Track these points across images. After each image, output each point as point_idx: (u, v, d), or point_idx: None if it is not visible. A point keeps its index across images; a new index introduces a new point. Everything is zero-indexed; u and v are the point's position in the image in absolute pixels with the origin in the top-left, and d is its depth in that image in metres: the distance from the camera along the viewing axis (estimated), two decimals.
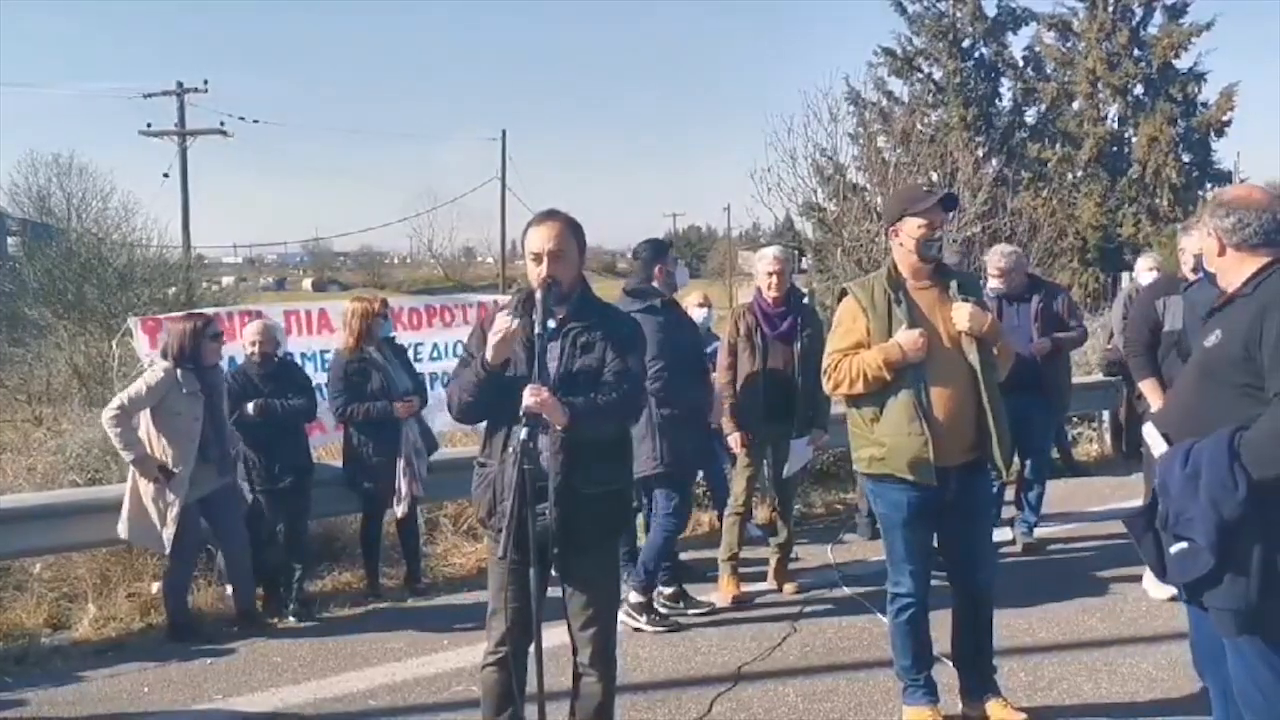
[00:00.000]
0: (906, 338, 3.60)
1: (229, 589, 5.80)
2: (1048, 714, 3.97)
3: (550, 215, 3.22)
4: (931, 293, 3.73)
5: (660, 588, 5.30)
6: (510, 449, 3.06)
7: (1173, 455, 2.66)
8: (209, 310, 7.43)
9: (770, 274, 5.39)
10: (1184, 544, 2.59)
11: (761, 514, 6.37)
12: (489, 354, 3.07)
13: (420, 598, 5.81)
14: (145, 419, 5.17)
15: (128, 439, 5.06)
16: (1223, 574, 2.56)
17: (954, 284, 3.74)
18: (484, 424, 3.34)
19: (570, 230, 3.19)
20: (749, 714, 4.09)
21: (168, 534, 5.09)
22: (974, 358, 3.65)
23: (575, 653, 3.28)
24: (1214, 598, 2.60)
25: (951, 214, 3.85)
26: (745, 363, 5.42)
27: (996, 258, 6.20)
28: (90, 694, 4.57)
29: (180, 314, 6.49)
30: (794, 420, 5.40)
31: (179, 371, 5.14)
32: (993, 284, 6.10)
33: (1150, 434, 2.82)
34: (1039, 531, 6.49)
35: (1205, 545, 2.53)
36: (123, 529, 5.18)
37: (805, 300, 5.74)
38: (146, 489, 5.11)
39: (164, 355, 5.29)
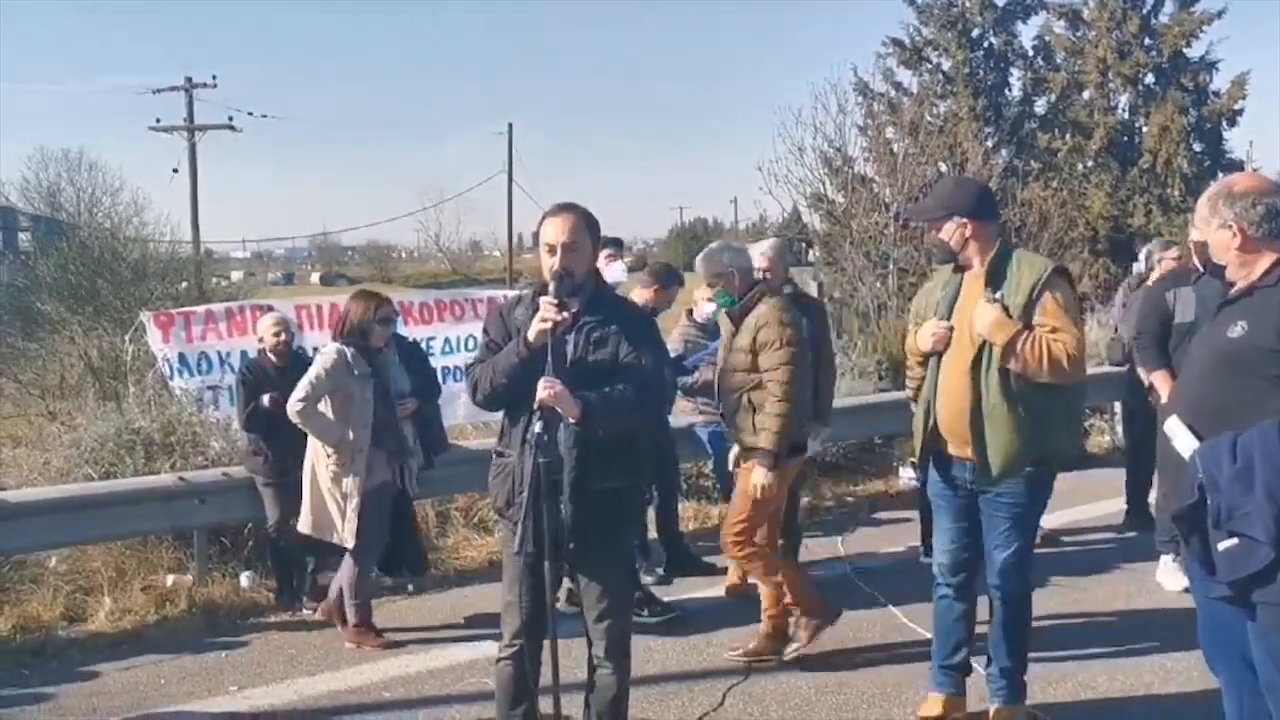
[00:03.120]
0: (927, 327, 3.66)
1: (244, 581, 5.84)
2: (1063, 708, 3.97)
3: (566, 208, 3.24)
4: (980, 284, 3.62)
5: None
6: (527, 441, 3.08)
7: (1218, 449, 2.58)
8: (220, 304, 7.45)
9: (760, 270, 5.38)
10: (1235, 540, 2.52)
11: None
12: (531, 335, 3.07)
13: (433, 590, 5.83)
14: (326, 406, 4.90)
15: (322, 426, 4.82)
16: (1277, 569, 2.50)
17: (988, 287, 3.58)
18: (501, 414, 3.35)
19: (585, 223, 3.20)
20: (761, 706, 4.11)
21: (348, 528, 4.84)
22: (984, 357, 3.54)
23: (590, 645, 3.29)
24: (1266, 593, 2.54)
25: (940, 220, 3.68)
26: None
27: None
28: (107, 686, 4.60)
29: (207, 305, 6.36)
30: None
31: (349, 352, 4.87)
32: None
33: (1175, 428, 2.75)
34: (1052, 523, 6.47)
35: (1265, 540, 2.46)
36: (304, 524, 4.97)
37: (802, 292, 5.72)
38: (325, 481, 4.87)
39: (334, 335, 5.00)
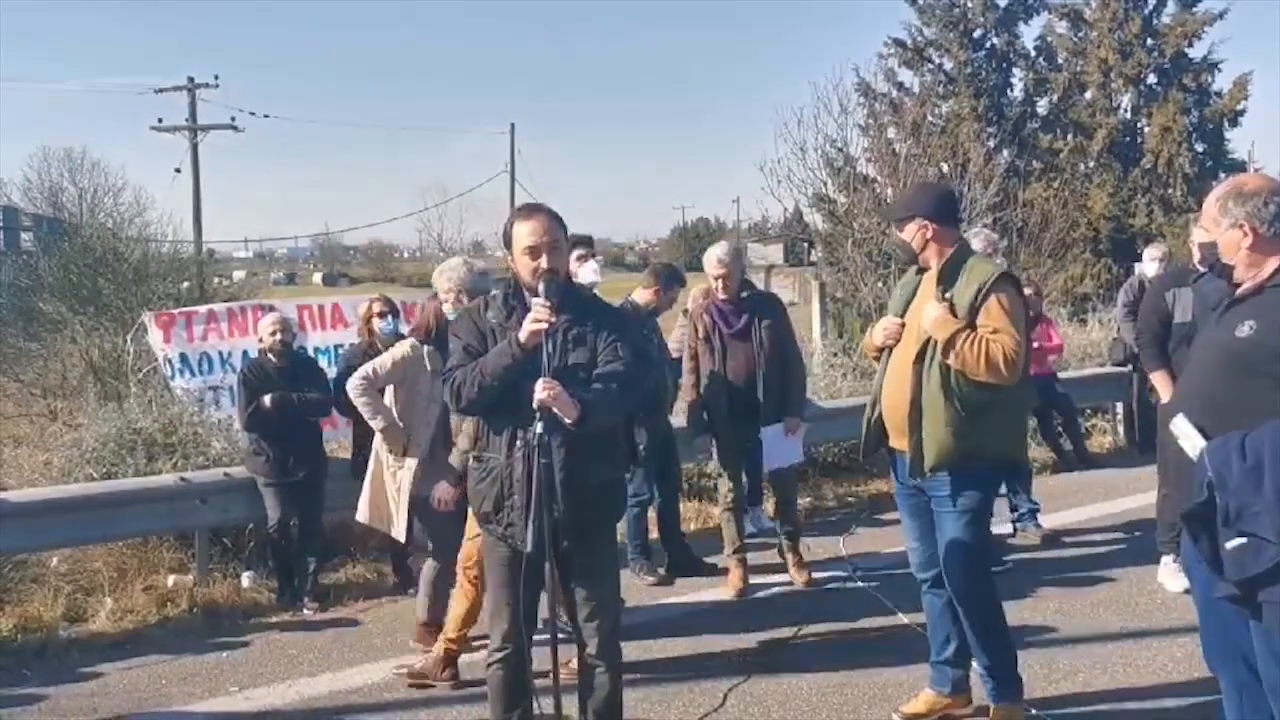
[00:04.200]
0: (881, 323, 3.82)
1: (245, 581, 5.84)
2: (1063, 705, 3.97)
3: (537, 209, 3.26)
4: (930, 301, 3.73)
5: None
6: (520, 444, 3.08)
7: (1226, 447, 2.56)
8: (222, 305, 7.45)
9: (716, 278, 5.41)
10: (1244, 539, 2.50)
11: (772, 507, 6.37)
12: (523, 336, 3.06)
13: None
14: (389, 399, 4.84)
15: (375, 407, 4.77)
16: None
17: (941, 285, 3.68)
18: (482, 423, 3.31)
19: (558, 223, 3.22)
20: (762, 707, 4.10)
21: (400, 522, 4.79)
22: (927, 355, 3.61)
23: (582, 646, 3.29)
24: (1273, 592, 2.52)
25: (904, 221, 3.78)
26: (706, 364, 5.45)
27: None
28: (109, 687, 4.60)
29: (208, 305, 6.38)
30: (760, 416, 5.39)
31: (425, 349, 4.77)
32: None
33: (1182, 427, 2.72)
34: (1053, 523, 6.47)
35: (1275, 539, 2.44)
36: (361, 513, 4.94)
37: (761, 292, 5.76)
38: (385, 472, 4.83)
39: (413, 335, 4.93)
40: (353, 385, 4.81)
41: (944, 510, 3.68)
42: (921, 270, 3.79)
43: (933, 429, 3.58)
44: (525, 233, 3.17)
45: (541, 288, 3.10)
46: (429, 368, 4.73)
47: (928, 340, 3.60)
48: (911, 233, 3.73)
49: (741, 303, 5.44)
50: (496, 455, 3.18)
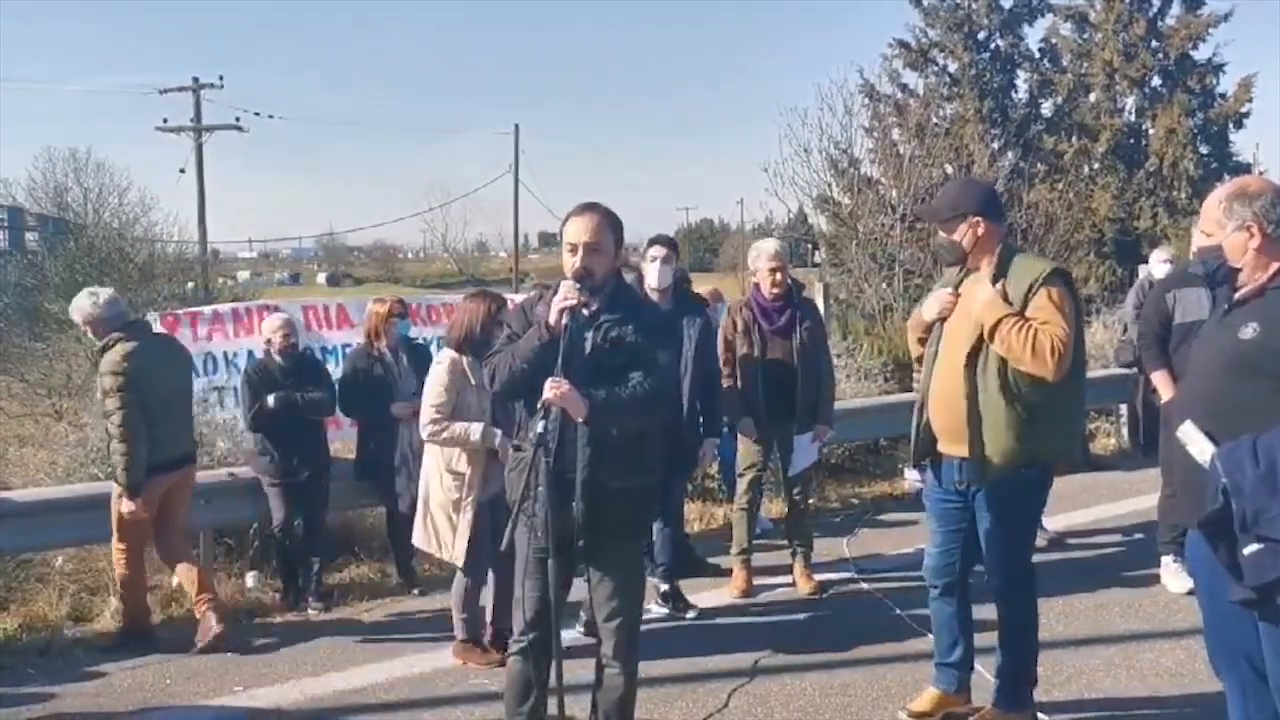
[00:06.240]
0: (933, 295, 3.73)
1: (249, 581, 5.85)
2: (1067, 708, 3.96)
3: (589, 208, 3.25)
4: (982, 285, 3.63)
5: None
6: (532, 439, 3.09)
7: (1238, 452, 2.54)
8: (227, 305, 7.46)
9: (772, 270, 5.38)
10: (1260, 545, 2.49)
11: (773, 508, 6.37)
12: (551, 317, 3.08)
13: (439, 590, 5.82)
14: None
15: (458, 431, 4.54)
16: None
17: (992, 275, 3.60)
18: (521, 409, 3.36)
19: (608, 223, 3.22)
20: (766, 707, 4.11)
21: (459, 545, 4.57)
22: (981, 357, 3.54)
23: (599, 644, 3.30)
24: None
25: (953, 221, 3.64)
26: (743, 359, 5.40)
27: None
28: (113, 686, 4.61)
29: (214, 306, 6.40)
30: (795, 416, 5.38)
31: (465, 360, 4.61)
32: None
33: (1190, 433, 2.70)
34: (1057, 525, 6.46)
35: None
36: (417, 538, 4.73)
37: (805, 292, 5.72)
38: (439, 497, 4.61)
39: (450, 343, 4.72)
40: (428, 431, 4.58)
41: (994, 515, 3.61)
42: (968, 271, 3.68)
43: (994, 433, 3.51)
44: (569, 230, 3.20)
45: (575, 286, 3.13)
46: (472, 381, 4.58)
47: (980, 342, 3.52)
48: (962, 232, 3.61)
49: (787, 300, 5.41)
50: (528, 446, 3.20)
